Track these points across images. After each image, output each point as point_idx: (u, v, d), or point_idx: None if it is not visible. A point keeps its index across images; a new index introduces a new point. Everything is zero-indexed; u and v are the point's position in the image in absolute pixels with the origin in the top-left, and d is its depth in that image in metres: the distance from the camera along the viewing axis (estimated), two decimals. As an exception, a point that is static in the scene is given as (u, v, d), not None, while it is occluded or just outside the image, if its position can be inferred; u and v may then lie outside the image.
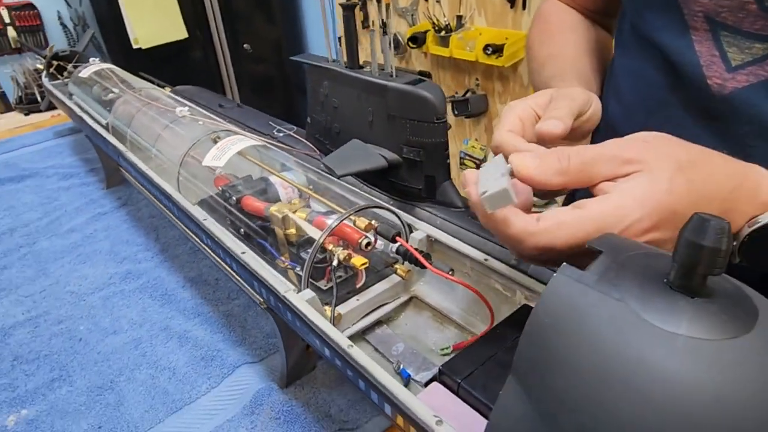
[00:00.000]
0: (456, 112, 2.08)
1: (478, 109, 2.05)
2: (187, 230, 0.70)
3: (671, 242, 0.26)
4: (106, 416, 0.60)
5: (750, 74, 0.46)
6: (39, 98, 1.92)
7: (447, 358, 0.42)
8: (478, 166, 2.30)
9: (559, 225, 0.33)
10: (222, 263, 0.62)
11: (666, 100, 0.53)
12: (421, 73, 2.26)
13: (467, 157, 2.22)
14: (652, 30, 0.53)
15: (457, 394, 0.37)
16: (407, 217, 0.59)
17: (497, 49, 1.77)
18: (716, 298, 0.25)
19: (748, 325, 0.24)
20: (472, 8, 1.94)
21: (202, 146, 0.70)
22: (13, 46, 2.29)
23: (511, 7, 1.80)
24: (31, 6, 2.30)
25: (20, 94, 2.06)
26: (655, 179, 0.33)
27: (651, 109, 0.55)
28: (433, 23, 1.99)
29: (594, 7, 0.65)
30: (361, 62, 0.72)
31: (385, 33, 0.65)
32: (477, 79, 2.06)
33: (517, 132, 0.42)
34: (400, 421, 0.38)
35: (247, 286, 0.58)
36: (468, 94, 2.08)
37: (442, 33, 1.96)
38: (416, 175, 0.68)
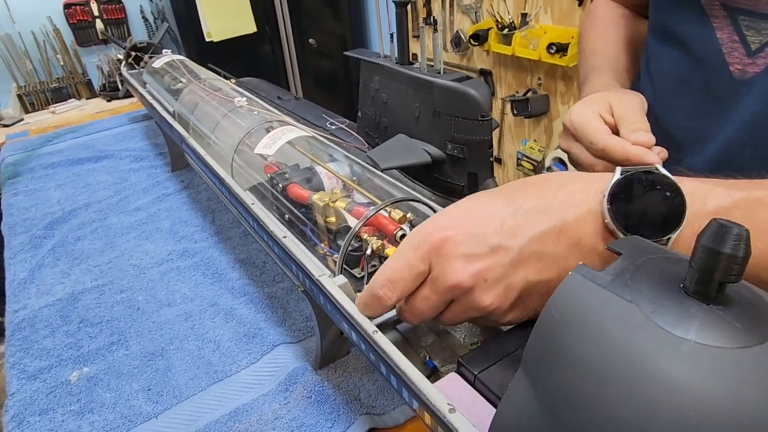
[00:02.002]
0: (515, 112, 2.03)
1: (538, 110, 2.00)
2: (238, 214, 0.74)
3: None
4: (155, 380, 0.65)
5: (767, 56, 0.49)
6: (119, 86, 2.06)
7: (472, 353, 0.42)
8: (535, 168, 2.22)
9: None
10: (266, 247, 0.65)
11: (689, 86, 0.57)
12: (482, 71, 2.23)
13: (525, 158, 2.17)
14: (675, 22, 0.56)
15: (473, 385, 0.38)
16: (445, 212, 0.60)
17: (561, 48, 1.72)
18: (733, 306, 0.25)
19: (763, 336, 0.23)
20: (538, 6, 1.89)
21: (256, 135, 0.74)
22: (100, 37, 2.48)
23: (579, 4, 1.74)
24: (118, 0, 2.48)
25: (104, 81, 2.23)
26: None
27: (675, 93, 0.59)
28: (497, 21, 1.96)
29: (638, 2, 0.70)
30: (420, 60, 0.73)
31: (435, 30, 0.66)
32: (539, 79, 2.01)
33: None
34: (416, 407, 0.39)
35: (286, 269, 0.61)
36: (529, 94, 2.03)
37: (505, 31, 1.93)
38: (460, 172, 0.69)
